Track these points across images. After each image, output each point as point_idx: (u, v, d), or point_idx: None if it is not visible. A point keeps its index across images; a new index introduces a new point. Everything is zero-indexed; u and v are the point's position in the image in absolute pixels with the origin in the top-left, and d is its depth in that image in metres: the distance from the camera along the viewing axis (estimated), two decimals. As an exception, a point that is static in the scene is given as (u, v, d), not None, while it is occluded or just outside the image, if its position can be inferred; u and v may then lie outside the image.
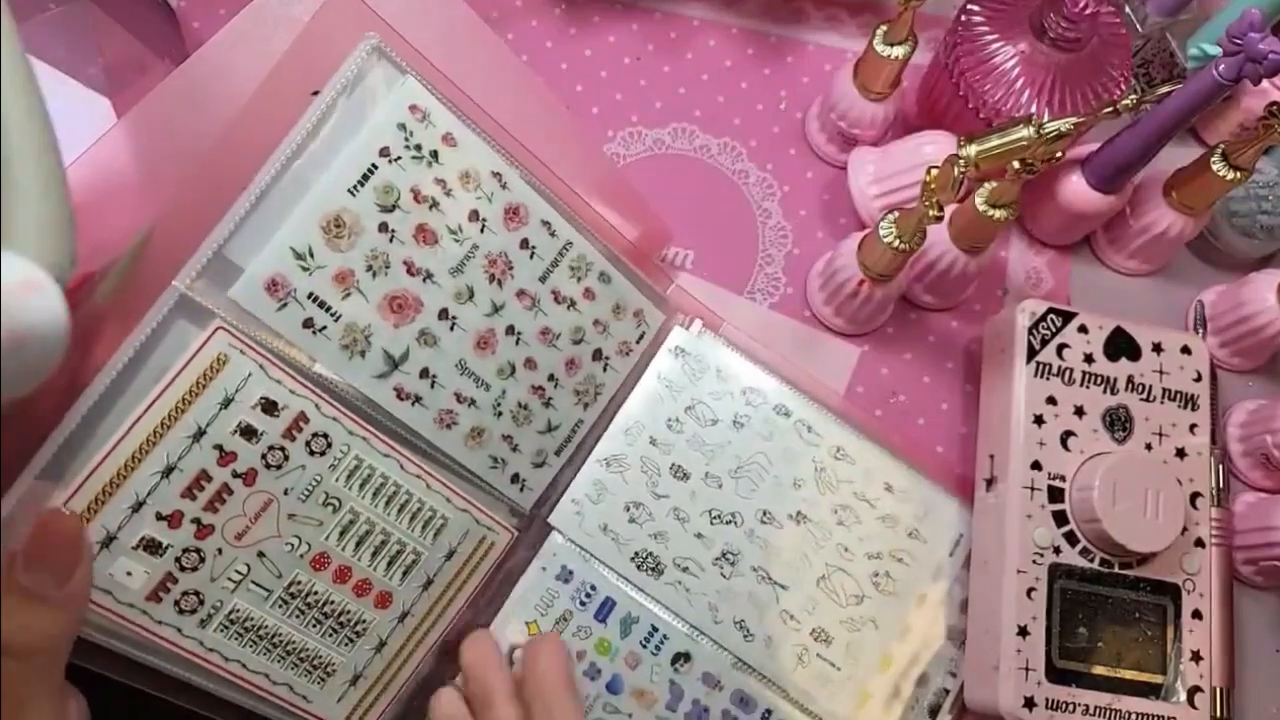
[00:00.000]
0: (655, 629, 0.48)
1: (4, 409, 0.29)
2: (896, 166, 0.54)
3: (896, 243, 0.47)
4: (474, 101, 0.46)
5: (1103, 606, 0.47)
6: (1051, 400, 0.49)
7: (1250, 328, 0.53)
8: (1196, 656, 0.47)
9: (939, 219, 0.45)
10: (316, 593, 0.43)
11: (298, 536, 0.42)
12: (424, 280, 0.44)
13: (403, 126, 0.43)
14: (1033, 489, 0.48)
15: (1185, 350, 0.51)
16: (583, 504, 0.49)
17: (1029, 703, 0.45)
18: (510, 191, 0.47)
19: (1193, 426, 0.50)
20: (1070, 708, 0.45)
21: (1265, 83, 0.52)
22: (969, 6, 0.53)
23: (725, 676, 0.48)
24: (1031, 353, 0.50)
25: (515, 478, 0.48)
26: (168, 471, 0.39)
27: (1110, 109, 0.45)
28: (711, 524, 0.50)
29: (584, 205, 0.50)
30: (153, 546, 0.39)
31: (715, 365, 0.52)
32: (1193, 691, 0.47)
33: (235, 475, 0.40)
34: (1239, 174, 0.50)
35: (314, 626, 0.43)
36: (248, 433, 0.40)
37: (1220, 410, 0.53)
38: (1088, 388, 0.50)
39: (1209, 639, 0.47)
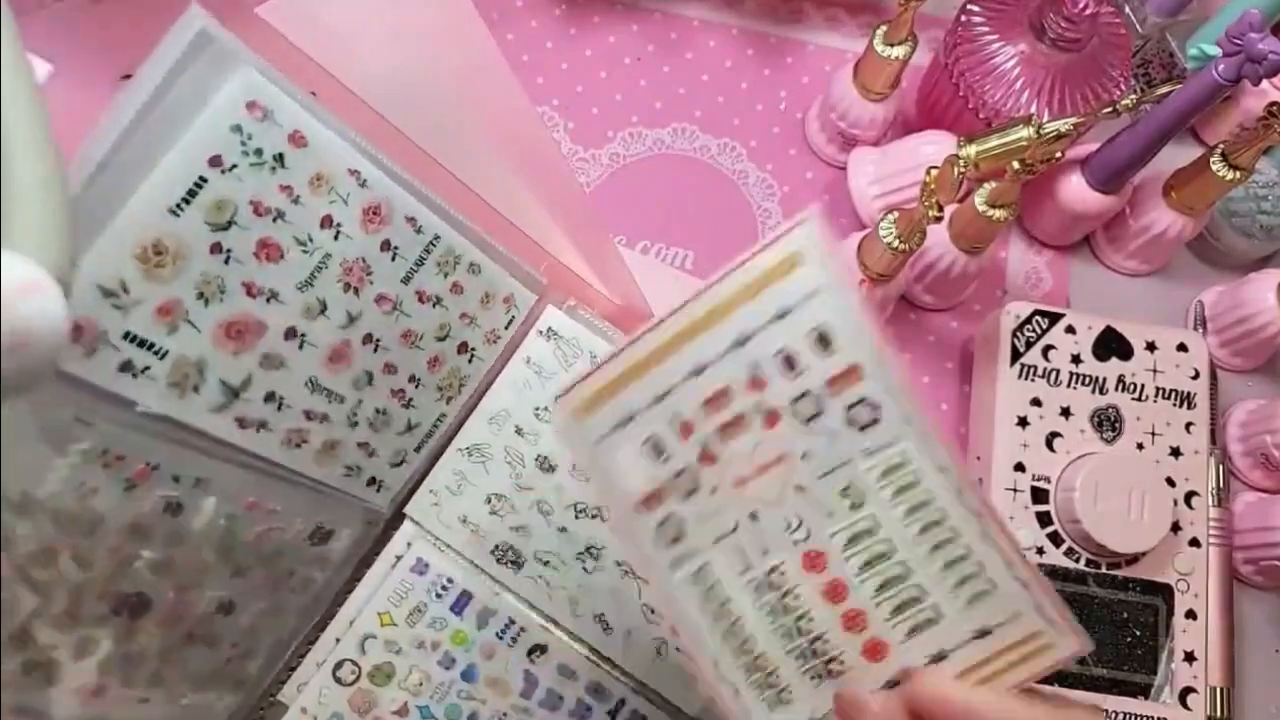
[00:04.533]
0: (513, 621, 0.47)
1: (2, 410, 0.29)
2: (896, 167, 0.54)
3: (896, 243, 0.47)
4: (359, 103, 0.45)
5: (1089, 607, 0.47)
6: (1036, 402, 0.49)
7: (1250, 328, 0.53)
8: (1190, 657, 0.47)
9: (939, 219, 0.45)
10: (798, 597, 0.33)
11: (800, 518, 0.32)
12: (267, 301, 0.39)
13: (238, 129, 0.36)
14: (1015, 490, 0.48)
15: (1182, 348, 0.51)
16: (441, 494, 0.48)
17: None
18: (370, 189, 0.41)
19: (1189, 425, 0.50)
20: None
21: (1265, 83, 0.52)
22: (969, 7, 0.53)
23: (581, 668, 0.48)
24: (1015, 355, 0.50)
25: (371, 480, 0.46)
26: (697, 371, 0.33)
27: (1110, 109, 0.45)
28: (576, 518, 0.48)
29: (463, 191, 0.48)
30: (658, 450, 0.33)
31: (590, 348, 0.50)
32: (1185, 692, 0.47)
33: (759, 410, 0.32)
34: (1239, 174, 0.50)
35: (784, 637, 0.33)
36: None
37: (1220, 410, 0.53)
38: (1075, 388, 0.50)
39: (1204, 639, 0.48)
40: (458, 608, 0.47)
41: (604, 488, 0.33)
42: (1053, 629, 0.31)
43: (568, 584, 0.48)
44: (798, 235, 0.31)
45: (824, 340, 0.31)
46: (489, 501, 0.48)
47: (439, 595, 0.47)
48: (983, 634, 0.31)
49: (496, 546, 0.48)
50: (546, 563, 0.48)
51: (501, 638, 0.47)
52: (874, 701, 0.31)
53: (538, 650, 0.47)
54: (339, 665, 0.46)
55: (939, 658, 0.31)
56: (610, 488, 0.33)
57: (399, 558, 0.48)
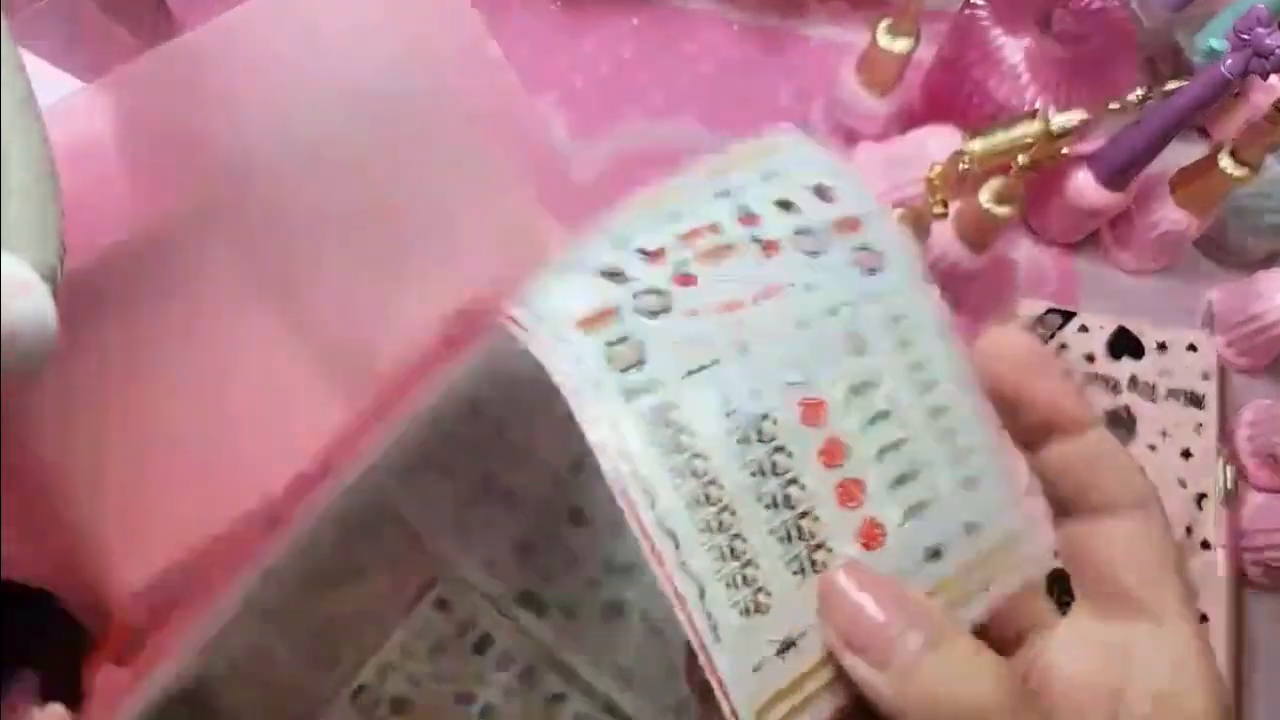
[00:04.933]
0: (532, 669, 0.48)
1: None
2: (900, 162, 0.54)
3: (900, 240, 0.47)
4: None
5: None
6: None
7: (1258, 326, 0.52)
8: (1202, 659, 0.47)
9: (943, 216, 0.45)
10: (791, 455, 0.24)
11: (798, 357, 0.25)
12: None
13: None
14: (1028, 491, 0.48)
15: (1191, 348, 0.50)
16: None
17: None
18: None
19: (1199, 426, 0.49)
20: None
21: (1273, 78, 0.51)
22: (973, 0, 0.52)
23: None
24: None
25: None
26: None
27: (1117, 105, 0.45)
28: (607, 574, 0.48)
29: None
30: (614, 274, 0.26)
31: None
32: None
33: (755, 240, 0.26)
34: (1246, 170, 0.49)
35: (768, 508, 0.24)
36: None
37: (1229, 410, 0.53)
38: (1088, 388, 0.49)
39: (1215, 643, 0.47)
40: (480, 648, 0.47)
41: (534, 315, 0.25)
42: (1030, 543, 0.27)
43: (590, 635, 0.47)
44: (790, 133, 0.27)
45: (822, 192, 0.26)
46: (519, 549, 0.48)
47: (460, 634, 0.47)
48: (970, 527, 0.26)
49: (523, 593, 0.48)
50: (571, 614, 0.47)
51: (521, 683, 0.47)
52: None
53: (556, 699, 0.47)
54: (358, 691, 0.46)
55: (935, 554, 0.25)
56: (542, 313, 0.25)
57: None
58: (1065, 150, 0.44)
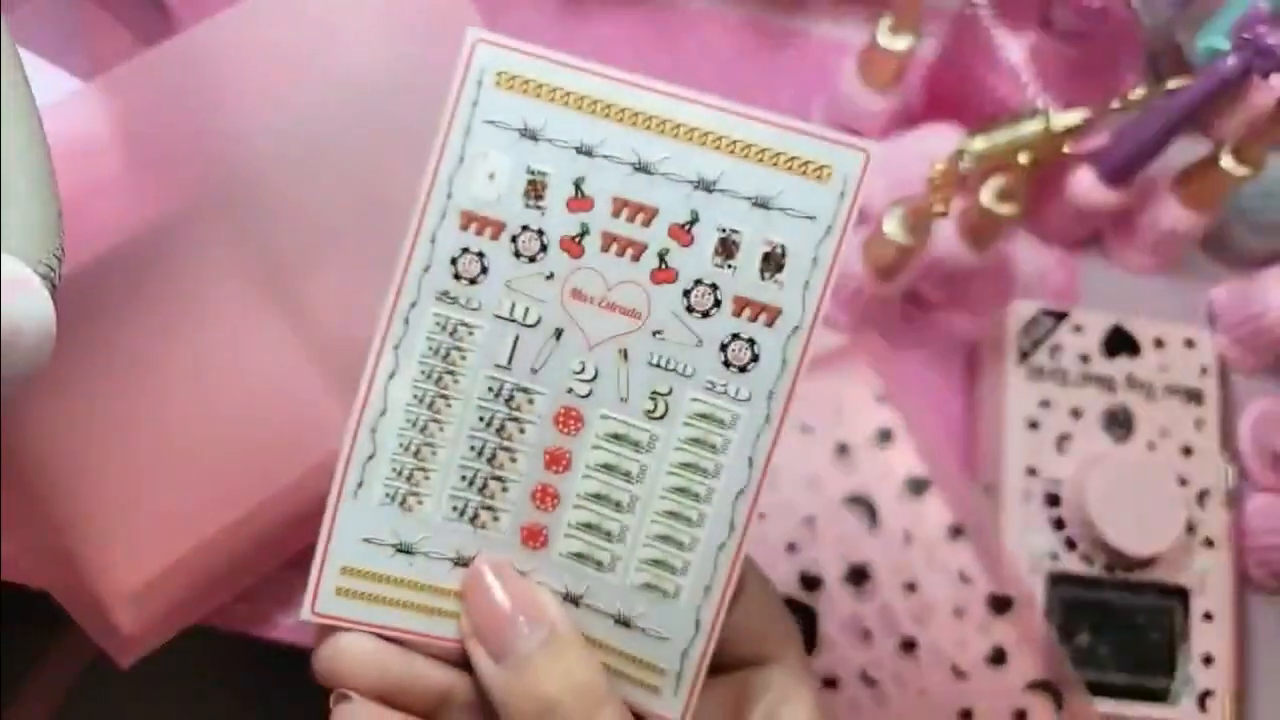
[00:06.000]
0: None
1: (-9, 410, 0.29)
2: (901, 161, 0.53)
3: (901, 239, 0.46)
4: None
5: (1106, 612, 0.47)
6: (1045, 404, 0.49)
7: (1261, 325, 0.52)
8: (1207, 659, 0.46)
9: (944, 214, 0.44)
10: (523, 433, 0.27)
11: (596, 375, 0.26)
12: None
13: None
14: (1028, 495, 0.47)
15: (1189, 344, 0.50)
16: None
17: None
18: None
19: (1199, 422, 0.49)
20: (1076, 713, 0.45)
21: (1274, 77, 0.51)
22: (975, -2, 0.52)
23: None
24: (1023, 355, 0.49)
25: None
26: None
27: (1118, 103, 0.44)
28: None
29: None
30: (533, 193, 0.26)
31: None
32: (1204, 695, 0.46)
33: (659, 258, 0.26)
34: (1248, 169, 0.49)
35: (472, 449, 0.27)
36: None
37: (1231, 410, 0.53)
38: (1084, 388, 0.49)
39: (1220, 642, 0.47)
40: None
41: (431, 178, 0.27)
42: (669, 689, 0.26)
43: None
44: (847, 158, 0.26)
45: (775, 260, 0.26)
46: None
47: None
48: (623, 622, 0.26)
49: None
50: None
51: None
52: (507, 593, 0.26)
53: None
54: None
55: (573, 600, 0.26)
56: (441, 179, 0.27)
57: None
58: (1067, 149, 0.44)
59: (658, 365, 0.26)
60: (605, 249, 0.26)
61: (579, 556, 0.27)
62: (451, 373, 0.26)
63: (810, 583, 0.46)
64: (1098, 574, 0.47)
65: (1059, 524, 0.47)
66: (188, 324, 0.44)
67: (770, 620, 0.29)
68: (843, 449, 0.48)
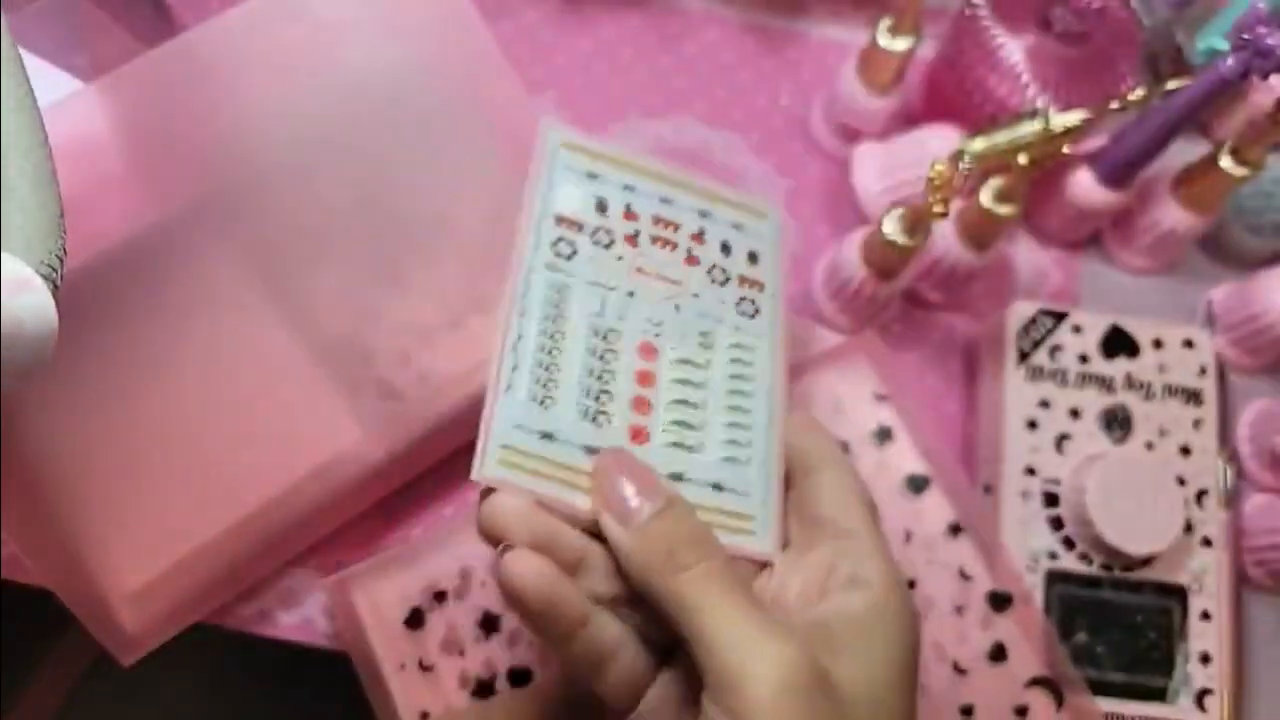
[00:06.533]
0: None
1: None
2: (901, 161, 0.54)
3: (901, 239, 0.47)
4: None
5: (1104, 611, 0.47)
6: (1045, 404, 0.49)
7: (1259, 325, 0.52)
8: (1205, 658, 0.47)
9: (944, 215, 0.44)
10: (617, 358, 0.37)
11: (661, 320, 0.38)
12: None
13: None
14: (1026, 495, 0.48)
15: (1188, 344, 0.50)
16: None
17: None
18: None
19: (1197, 422, 0.49)
20: (1075, 712, 0.45)
21: (1274, 78, 0.51)
22: (974, -1, 0.52)
23: None
24: (1023, 356, 0.50)
25: None
26: None
27: (1118, 104, 0.45)
28: None
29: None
30: (600, 206, 0.40)
31: None
32: (1202, 694, 0.46)
33: (688, 251, 0.40)
34: (1248, 170, 0.49)
35: (585, 369, 0.36)
36: None
37: (1229, 410, 0.53)
38: (1083, 388, 0.49)
39: (1219, 641, 0.47)
40: None
41: (532, 196, 0.38)
42: (762, 529, 0.35)
43: None
44: (771, 208, 0.42)
45: (754, 257, 0.41)
46: None
47: None
48: (717, 487, 0.36)
49: None
50: None
51: None
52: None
53: None
54: None
55: (677, 477, 0.35)
56: (537, 197, 0.38)
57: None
58: (1066, 149, 0.44)
59: (700, 314, 0.39)
60: (652, 244, 0.39)
61: (674, 445, 0.36)
62: (563, 316, 0.37)
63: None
64: (1096, 573, 0.47)
65: (1057, 523, 0.47)
66: (189, 324, 0.44)
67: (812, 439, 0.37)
68: (842, 447, 0.48)
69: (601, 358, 0.37)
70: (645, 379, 0.37)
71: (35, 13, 0.48)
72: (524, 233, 0.38)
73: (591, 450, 0.35)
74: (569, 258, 0.38)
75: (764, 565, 0.35)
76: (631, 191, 0.40)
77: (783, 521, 0.36)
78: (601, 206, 0.39)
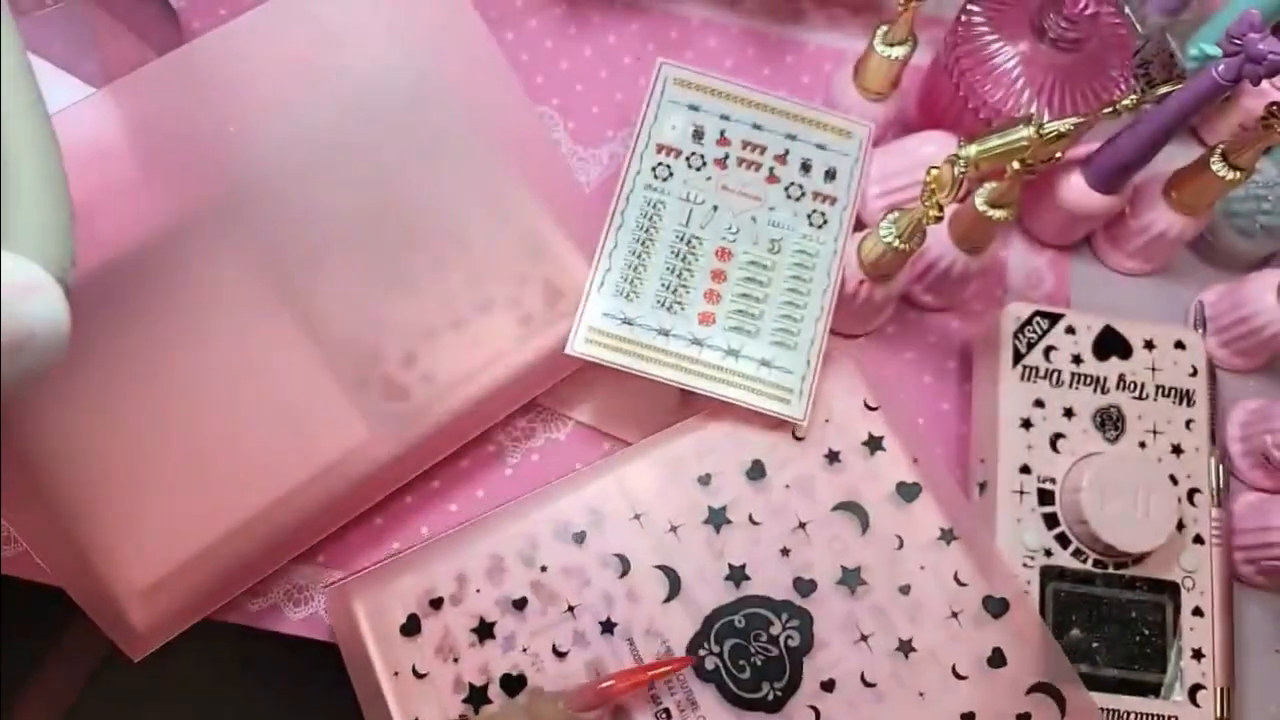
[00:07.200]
0: None
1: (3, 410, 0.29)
2: (897, 166, 0.54)
3: (897, 243, 0.47)
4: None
5: (1098, 608, 0.47)
6: (1039, 403, 0.49)
7: (1250, 328, 0.53)
8: (1198, 654, 0.47)
9: (939, 219, 0.45)
10: (696, 259, 0.49)
11: (738, 228, 0.49)
12: None
13: None
14: (1021, 492, 0.48)
15: (1179, 345, 0.51)
16: None
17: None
18: None
19: (1189, 422, 0.50)
20: (1070, 707, 0.46)
21: (1265, 83, 0.52)
22: (969, 7, 0.53)
23: None
24: (1018, 356, 0.50)
25: None
26: None
27: (1110, 109, 0.45)
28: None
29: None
30: (697, 133, 0.51)
31: None
32: (1194, 689, 0.47)
33: (770, 170, 0.51)
34: (1239, 174, 0.50)
35: (666, 267, 0.48)
36: None
37: (1220, 410, 0.53)
38: (1077, 388, 0.50)
39: (1211, 637, 0.48)
40: None
41: (639, 130, 0.50)
42: (796, 400, 0.47)
43: None
44: (859, 128, 0.52)
45: (830, 174, 0.50)
46: None
47: None
48: (765, 363, 0.47)
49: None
50: None
51: None
52: None
53: None
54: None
55: (734, 353, 0.47)
56: (644, 130, 0.50)
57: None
58: (1059, 154, 0.44)
59: (773, 225, 0.49)
60: (739, 165, 0.50)
61: (735, 328, 0.47)
62: (655, 227, 0.48)
63: (805, 586, 0.47)
64: (1090, 570, 0.48)
65: (1052, 521, 0.48)
66: (199, 326, 0.45)
67: None
68: (833, 456, 0.49)
69: (684, 258, 0.48)
70: (718, 276, 0.48)
71: (46, 19, 0.48)
72: (629, 161, 0.49)
73: (664, 332, 0.47)
74: (665, 179, 0.49)
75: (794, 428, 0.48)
76: (727, 120, 0.50)
77: (813, 397, 0.47)
78: (698, 134, 0.50)
